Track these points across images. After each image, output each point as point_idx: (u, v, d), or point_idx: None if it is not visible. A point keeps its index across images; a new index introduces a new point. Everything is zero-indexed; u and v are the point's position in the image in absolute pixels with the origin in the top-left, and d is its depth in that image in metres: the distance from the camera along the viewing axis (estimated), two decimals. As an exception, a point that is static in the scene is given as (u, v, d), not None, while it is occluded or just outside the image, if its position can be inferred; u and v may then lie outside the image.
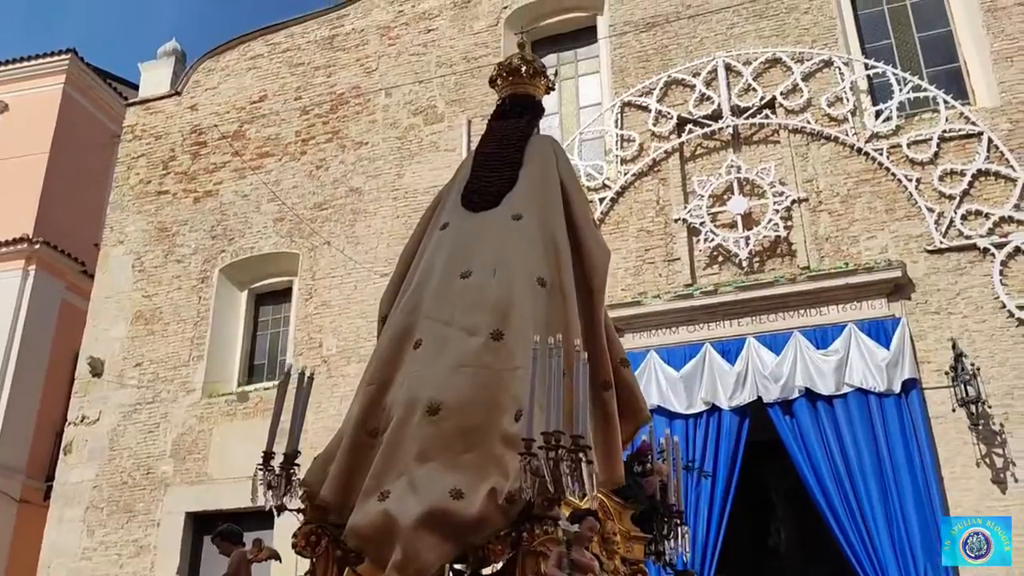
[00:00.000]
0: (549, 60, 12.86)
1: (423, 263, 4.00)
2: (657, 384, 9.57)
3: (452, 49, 12.86)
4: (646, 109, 11.20)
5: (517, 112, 4.48)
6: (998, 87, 9.82)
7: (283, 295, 12.89)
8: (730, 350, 9.51)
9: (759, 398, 9.19)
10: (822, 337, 9.24)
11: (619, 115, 11.33)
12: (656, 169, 10.90)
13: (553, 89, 4.84)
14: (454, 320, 3.60)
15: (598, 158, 11.34)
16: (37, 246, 15.59)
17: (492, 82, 4.79)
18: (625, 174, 10.93)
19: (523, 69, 4.58)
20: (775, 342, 9.36)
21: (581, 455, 2.93)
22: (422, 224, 4.42)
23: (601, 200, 10.89)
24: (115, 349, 12.95)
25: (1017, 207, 9.16)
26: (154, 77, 15.23)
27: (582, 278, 3.94)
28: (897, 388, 8.66)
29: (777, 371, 9.15)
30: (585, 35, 12.72)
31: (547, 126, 12.47)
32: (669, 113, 11.04)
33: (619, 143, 11.16)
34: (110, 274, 13.58)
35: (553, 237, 3.93)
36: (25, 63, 17.85)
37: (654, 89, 11.24)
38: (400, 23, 13.44)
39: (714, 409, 9.34)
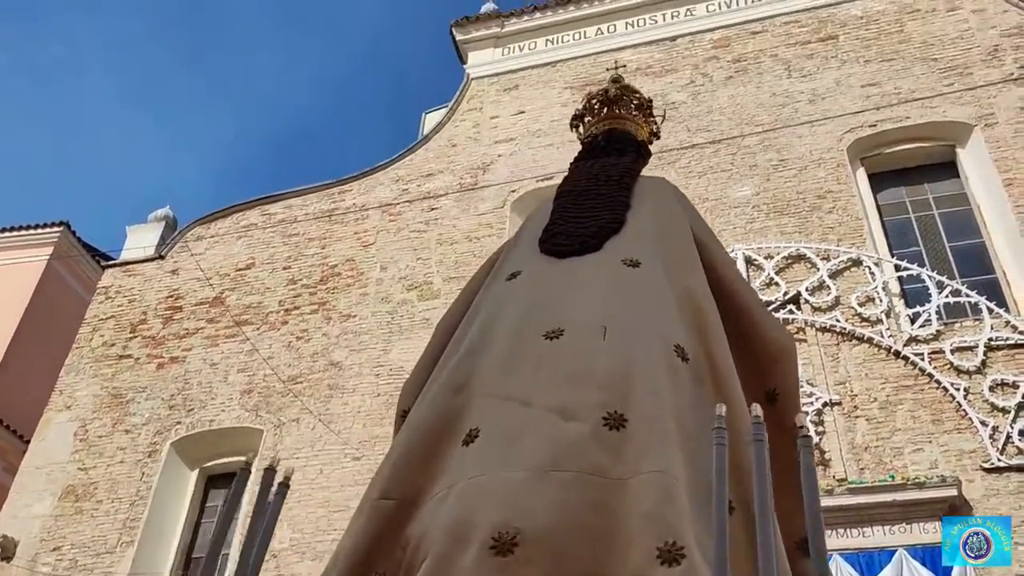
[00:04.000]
0: (556, 247, 12.27)
1: (478, 323, 2.54)
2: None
3: (455, 228, 12.26)
4: (660, 298, 10.37)
5: (616, 150, 3.16)
6: (1046, 297, 9.09)
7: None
8: (757, 572, 8.00)
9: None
10: (868, 563, 7.79)
11: (630, 302, 10.48)
12: (670, 361, 9.87)
13: (658, 136, 3.55)
14: (535, 398, 2.14)
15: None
16: (-25, 422, 14.09)
17: (578, 119, 3.44)
18: (635, 364, 9.87)
19: (624, 100, 3.34)
20: (811, 565, 7.87)
21: None
22: (472, 285, 2.98)
23: (608, 390, 9.77)
24: (34, 529, 11.17)
25: (1082, 425, 8.09)
26: (140, 241, 14.52)
27: (749, 370, 2.47)
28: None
29: (815, 601, 7.60)
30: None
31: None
32: (685, 303, 10.19)
33: (629, 331, 10.21)
34: (46, 442, 12.07)
35: (689, 293, 2.50)
36: (14, 232, 17.25)
37: (669, 278, 10.47)
38: (403, 200, 12.95)
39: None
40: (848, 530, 8.09)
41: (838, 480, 8.41)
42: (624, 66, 3.84)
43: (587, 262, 2.56)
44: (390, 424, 10.36)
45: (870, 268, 9.79)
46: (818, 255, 10.04)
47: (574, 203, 2.86)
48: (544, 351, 2.22)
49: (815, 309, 9.67)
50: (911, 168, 11.18)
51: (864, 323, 9.39)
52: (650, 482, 1.90)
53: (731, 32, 13.11)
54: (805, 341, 9.54)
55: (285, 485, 1.98)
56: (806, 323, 9.58)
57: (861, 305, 9.49)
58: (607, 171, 2.99)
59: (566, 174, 3.20)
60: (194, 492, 11.43)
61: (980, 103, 10.90)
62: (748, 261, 10.23)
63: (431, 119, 14.49)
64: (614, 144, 3.19)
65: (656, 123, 3.38)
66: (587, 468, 1.92)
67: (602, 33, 13.88)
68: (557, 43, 14.12)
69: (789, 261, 10.16)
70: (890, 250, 10.27)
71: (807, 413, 8.85)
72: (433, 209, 12.65)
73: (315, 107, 39.09)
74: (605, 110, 3.33)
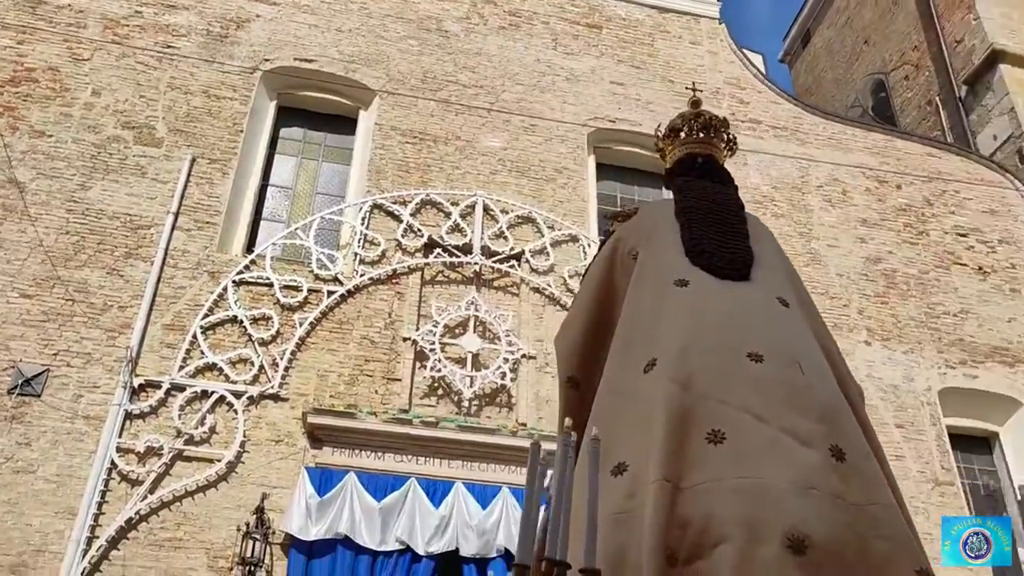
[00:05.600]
0: (294, 132, 11.84)
1: (668, 325, 2.73)
2: (350, 511, 8.39)
3: (192, 77, 11.17)
4: (397, 218, 10.59)
5: (718, 178, 3.46)
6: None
7: None
8: (437, 491, 8.76)
9: (457, 549, 8.48)
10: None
11: (368, 214, 10.55)
12: (395, 281, 10.19)
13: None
14: (767, 417, 2.41)
15: (330, 247, 10.33)
16: None
17: (675, 132, 3.62)
18: (361, 275, 10.04)
19: (720, 132, 3.60)
20: (484, 494, 8.84)
21: None
22: (601, 270, 3.20)
23: (329, 294, 9.81)
24: None
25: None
26: None
27: None
28: (594, 567, 8.57)
29: (482, 524, 8.58)
30: (341, 123, 11.93)
31: (280, 198, 11.24)
32: (420, 231, 10.54)
33: (361, 242, 10.31)
34: None
35: (825, 342, 2.92)
36: None
37: (409, 202, 10.73)
38: (134, 24, 11.43)
39: (407, 551, 8.39)
40: (521, 468, 9.17)
41: (520, 423, 9.47)
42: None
43: (746, 290, 2.82)
44: (78, 268, 9.41)
45: (585, 247, 10.98)
46: (545, 223, 11.00)
47: (704, 224, 3.07)
48: (754, 373, 2.50)
49: (533, 270, 10.62)
50: (628, 168, 12.64)
51: (569, 293, 10.55)
52: (889, 512, 2.33)
53: (513, -16, 13.50)
54: (518, 296, 10.48)
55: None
56: (522, 280, 10.50)
57: (571, 277, 10.64)
58: (724, 199, 3.23)
59: (678, 185, 3.35)
60: None
61: (696, 133, 12.63)
62: (486, 209, 10.87)
63: (181, -57, 12.83)
64: (717, 172, 3.44)
65: (728, 157, 3.67)
66: (831, 491, 2.26)
67: (392, -69, 13.40)
68: (343, -79, 13.33)
69: (520, 220, 10.99)
70: (599, 235, 11.57)
71: (507, 360, 9.79)
72: (170, 47, 11.36)
73: None
74: (702, 134, 3.54)
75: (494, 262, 10.50)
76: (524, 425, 9.45)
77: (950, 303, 12.11)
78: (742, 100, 13.36)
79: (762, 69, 14.24)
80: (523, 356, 9.91)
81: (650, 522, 2.19)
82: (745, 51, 14.13)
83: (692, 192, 3.27)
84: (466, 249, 10.52)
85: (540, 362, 10.00)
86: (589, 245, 11.03)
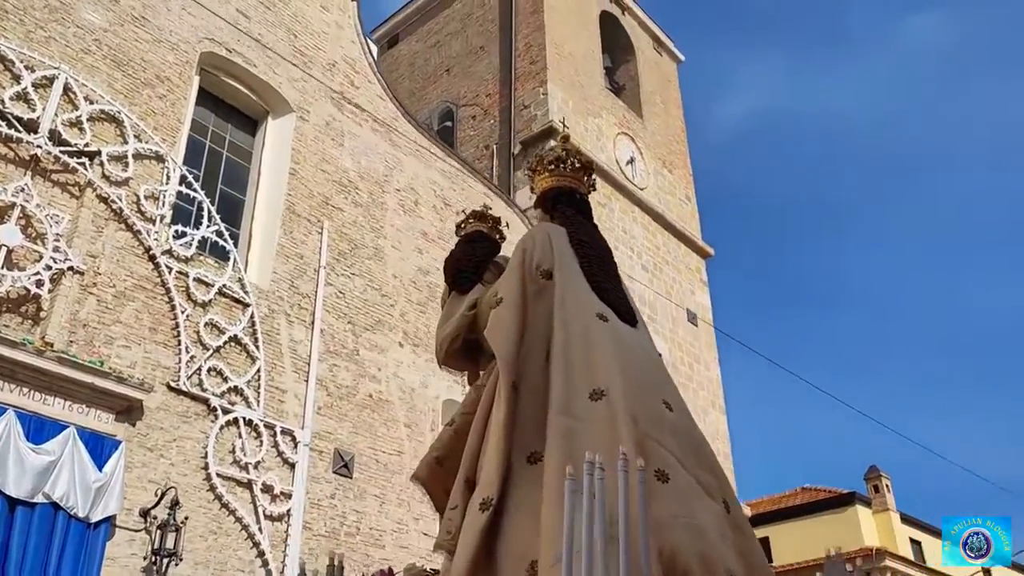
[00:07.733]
0: None
1: (602, 356, 2.94)
2: None
3: None
4: (-52, 57, 8.47)
5: (591, 218, 3.76)
6: (271, 274, 10.75)
7: None
8: (-81, 400, 7.14)
9: (-71, 474, 7.01)
10: (38, 429, 7.78)
11: (-92, 37, 8.25)
12: (-76, 132, 8.10)
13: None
14: (686, 463, 2.74)
15: None
16: None
17: (557, 162, 3.75)
18: None
19: (589, 170, 3.87)
20: (-17, 413, 7.46)
21: None
22: (520, 278, 3.28)
23: None
24: None
25: (248, 384, 9.80)
26: None
27: None
28: (96, 518, 7.77)
29: (-28, 449, 7.22)
30: None
31: None
32: (-25, 83, 8.57)
33: None
34: None
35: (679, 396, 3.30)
36: None
37: (-31, 44, 8.66)
38: None
39: None
40: (33, 393, 7.95)
41: (47, 343, 8.19)
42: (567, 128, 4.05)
43: (640, 337, 3.07)
44: None
45: (168, 171, 10.00)
46: (133, 130, 9.76)
47: (598, 264, 3.23)
48: (671, 420, 2.80)
49: (105, 176, 9.33)
50: (229, 105, 11.86)
51: (139, 215, 9.50)
52: (758, 552, 2.81)
53: None
54: (79, 199, 9.11)
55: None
56: (90, 183, 9.16)
57: (146, 198, 9.59)
58: (605, 244, 3.40)
59: (568, 216, 3.39)
60: None
61: (305, 96, 12.42)
62: (66, 89, 9.27)
63: None
64: (590, 212, 3.58)
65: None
66: (731, 539, 2.66)
67: None
68: None
69: (104, 116, 9.59)
70: (185, 159, 10.64)
71: (49, 268, 8.44)
72: None
73: None
74: (582, 173, 3.66)
75: (61, 151, 8.99)
76: (51, 345, 8.20)
77: (469, 327, 13.66)
78: (353, 83, 13.49)
79: (375, 58, 14.56)
80: (69, 268, 8.62)
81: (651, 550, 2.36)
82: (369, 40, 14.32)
83: (582, 228, 3.53)
84: (31, 126, 8.84)
85: (88, 281, 8.80)
86: (174, 170, 10.09)
